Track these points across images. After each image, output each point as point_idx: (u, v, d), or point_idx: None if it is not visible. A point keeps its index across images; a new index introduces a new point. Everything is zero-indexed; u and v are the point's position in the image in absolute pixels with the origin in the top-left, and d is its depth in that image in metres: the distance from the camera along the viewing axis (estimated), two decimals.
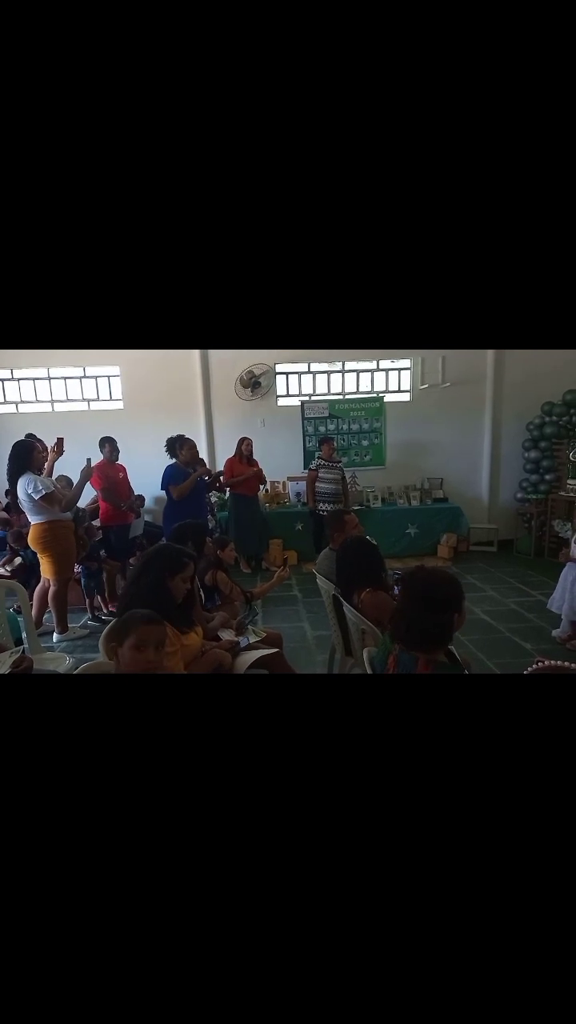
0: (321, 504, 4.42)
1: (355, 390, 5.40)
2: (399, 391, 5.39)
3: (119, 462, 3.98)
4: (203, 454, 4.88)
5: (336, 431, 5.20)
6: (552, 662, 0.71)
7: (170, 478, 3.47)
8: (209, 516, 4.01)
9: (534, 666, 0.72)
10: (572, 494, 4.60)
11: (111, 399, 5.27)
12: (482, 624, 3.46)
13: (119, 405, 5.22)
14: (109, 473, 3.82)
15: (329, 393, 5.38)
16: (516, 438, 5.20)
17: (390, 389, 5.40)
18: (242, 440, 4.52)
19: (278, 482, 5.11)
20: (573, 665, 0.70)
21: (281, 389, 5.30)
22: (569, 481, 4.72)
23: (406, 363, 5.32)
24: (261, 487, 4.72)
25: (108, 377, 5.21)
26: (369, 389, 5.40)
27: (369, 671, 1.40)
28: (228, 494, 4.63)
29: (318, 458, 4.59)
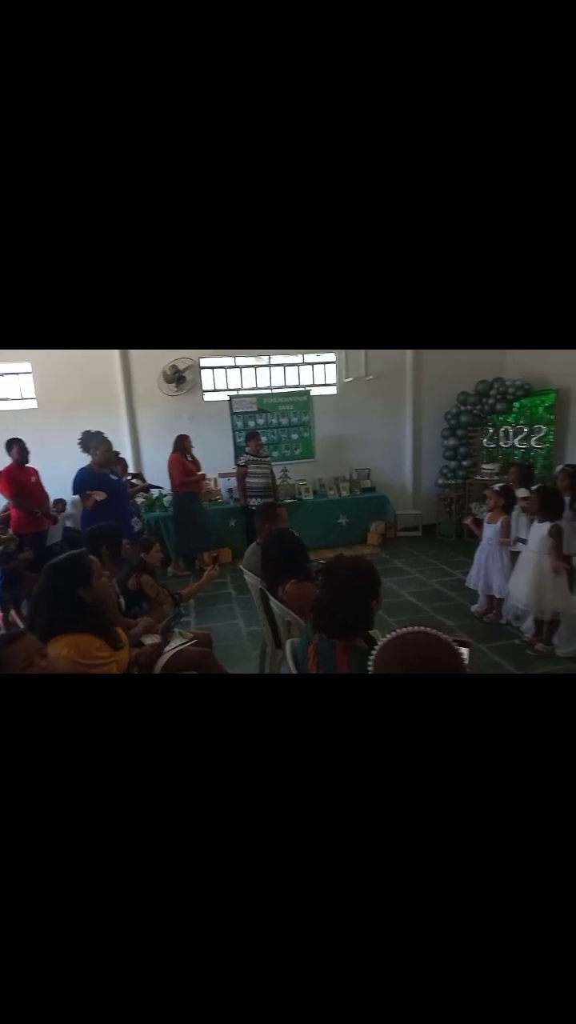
0: (252, 500, 4.41)
1: (282, 384, 5.42)
2: (325, 384, 5.49)
3: (31, 465, 3.71)
4: (126, 453, 4.69)
5: (265, 425, 5.19)
6: (411, 628, 0.74)
7: (81, 483, 3.24)
8: (136, 518, 3.85)
9: (393, 633, 0.75)
10: (487, 478, 4.94)
11: (22, 398, 4.89)
12: (408, 606, 3.63)
13: (32, 404, 4.86)
14: (19, 478, 3.54)
15: (256, 387, 5.36)
16: (436, 427, 5.49)
17: (316, 383, 5.48)
18: (184, 437, 4.40)
19: (209, 478, 5.03)
20: (425, 629, 0.74)
21: (207, 384, 5.20)
22: (484, 466, 5.07)
23: (331, 357, 5.42)
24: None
25: (18, 374, 4.83)
26: (296, 383, 5.44)
27: (291, 663, 1.41)
28: (171, 494, 4.48)
29: (246, 453, 4.57)
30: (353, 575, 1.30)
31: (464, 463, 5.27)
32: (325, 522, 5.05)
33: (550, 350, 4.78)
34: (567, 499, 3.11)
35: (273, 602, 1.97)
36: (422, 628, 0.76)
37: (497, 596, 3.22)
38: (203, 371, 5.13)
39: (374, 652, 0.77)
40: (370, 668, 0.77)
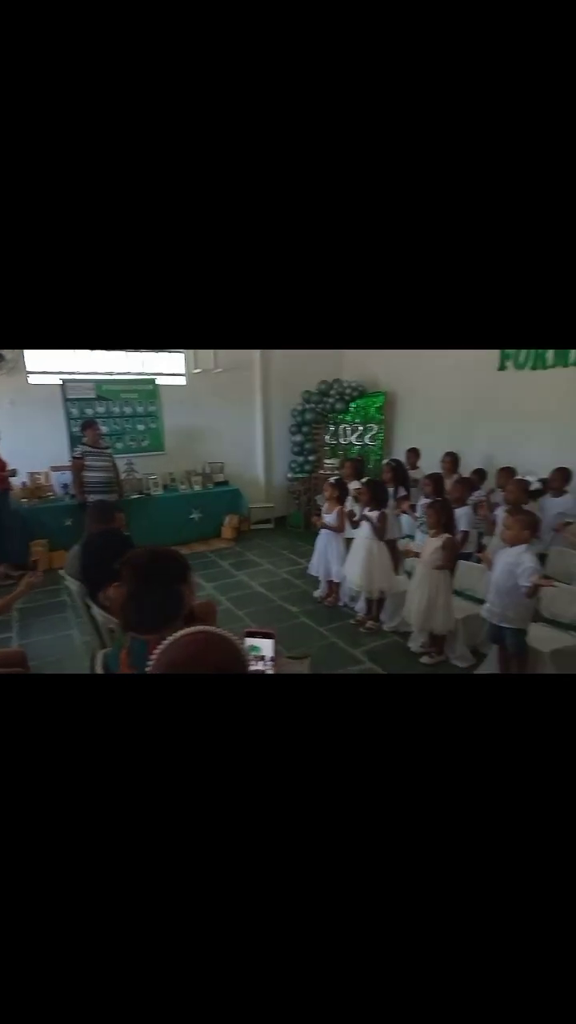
0: (91, 496, 4.01)
1: (124, 370, 5.03)
2: (173, 374, 5.26)
3: None
4: None
5: (106, 414, 4.77)
6: (193, 629, 0.71)
7: None
8: None
9: (177, 634, 0.71)
10: (328, 472, 5.31)
11: None
12: (259, 596, 3.70)
13: None
14: None
15: (95, 372, 4.88)
16: (284, 423, 5.70)
17: (164, 372, 5.22)
18: None
19: (39, 473, 4.43)
20: (209, 629, 0.72)
21: (31, 364, 4.54)
22: (326, 461, 5.43)
23: None
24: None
25: None
26: (139, 370, 5.11)
27: (100, 672, 1.28)
28: None
29: (83, 444, 4.14)
30: (152, 565, 1.23)
31: (310, 458, 5.58)
32: (177, 518, 4.87)
33: (379, 357, 5.31)
34: (392, 490, 3.49)
35: (95, 609, 1.78)
36: (205, 629, 0.72)
37: (335, 580, 3.46)
38: (27, 350, 4.47)
39: (153, 656, 0.70)
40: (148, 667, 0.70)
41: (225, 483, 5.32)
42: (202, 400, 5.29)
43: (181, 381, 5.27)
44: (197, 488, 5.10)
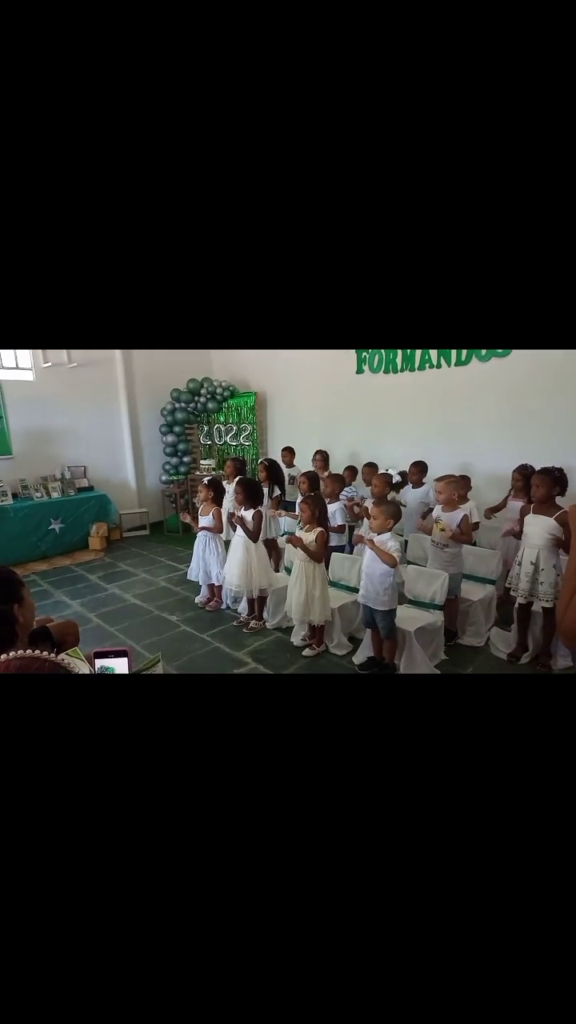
0: None
1: None
2: (17, 368, 4.62)
3: None
4: None
5: None
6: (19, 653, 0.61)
7: None
8: None
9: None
10: (206, 473, 5.18)
11: None
12: (134, 609, 3.43)
13: None
14: None
15: None
16: (154, 423, 5.41)
17: (5, 365, 4.55)
18: None
19: None
20: (24, 654, 0.62)
21: None
22: (202, 462, 5.29)
23: None
24: None
25: None
26: None
27: None
28: None
29: None
30: None
31: (185, 459, 5.38)
32: (33, 529, 4.30)
33: (246, 356, 5.34)
34: (267, 489, 3.51)
35: None
36: (21, 655, 0.60)
37: (216, 584, 3.37)
38: None
39: None
40: None
41: (90, 489, 4.85)
42: (55, 398, 4.75)
43: (27, 376, 4.66)
44: (56, 495, 4.56)
